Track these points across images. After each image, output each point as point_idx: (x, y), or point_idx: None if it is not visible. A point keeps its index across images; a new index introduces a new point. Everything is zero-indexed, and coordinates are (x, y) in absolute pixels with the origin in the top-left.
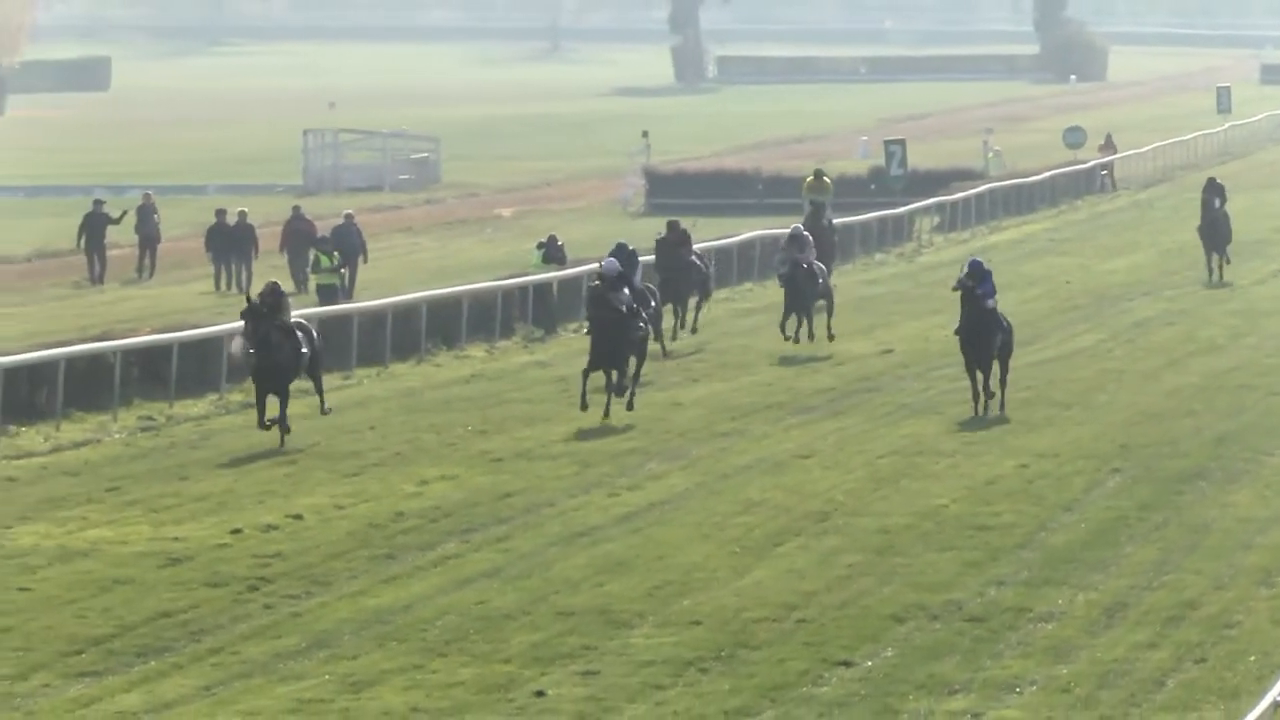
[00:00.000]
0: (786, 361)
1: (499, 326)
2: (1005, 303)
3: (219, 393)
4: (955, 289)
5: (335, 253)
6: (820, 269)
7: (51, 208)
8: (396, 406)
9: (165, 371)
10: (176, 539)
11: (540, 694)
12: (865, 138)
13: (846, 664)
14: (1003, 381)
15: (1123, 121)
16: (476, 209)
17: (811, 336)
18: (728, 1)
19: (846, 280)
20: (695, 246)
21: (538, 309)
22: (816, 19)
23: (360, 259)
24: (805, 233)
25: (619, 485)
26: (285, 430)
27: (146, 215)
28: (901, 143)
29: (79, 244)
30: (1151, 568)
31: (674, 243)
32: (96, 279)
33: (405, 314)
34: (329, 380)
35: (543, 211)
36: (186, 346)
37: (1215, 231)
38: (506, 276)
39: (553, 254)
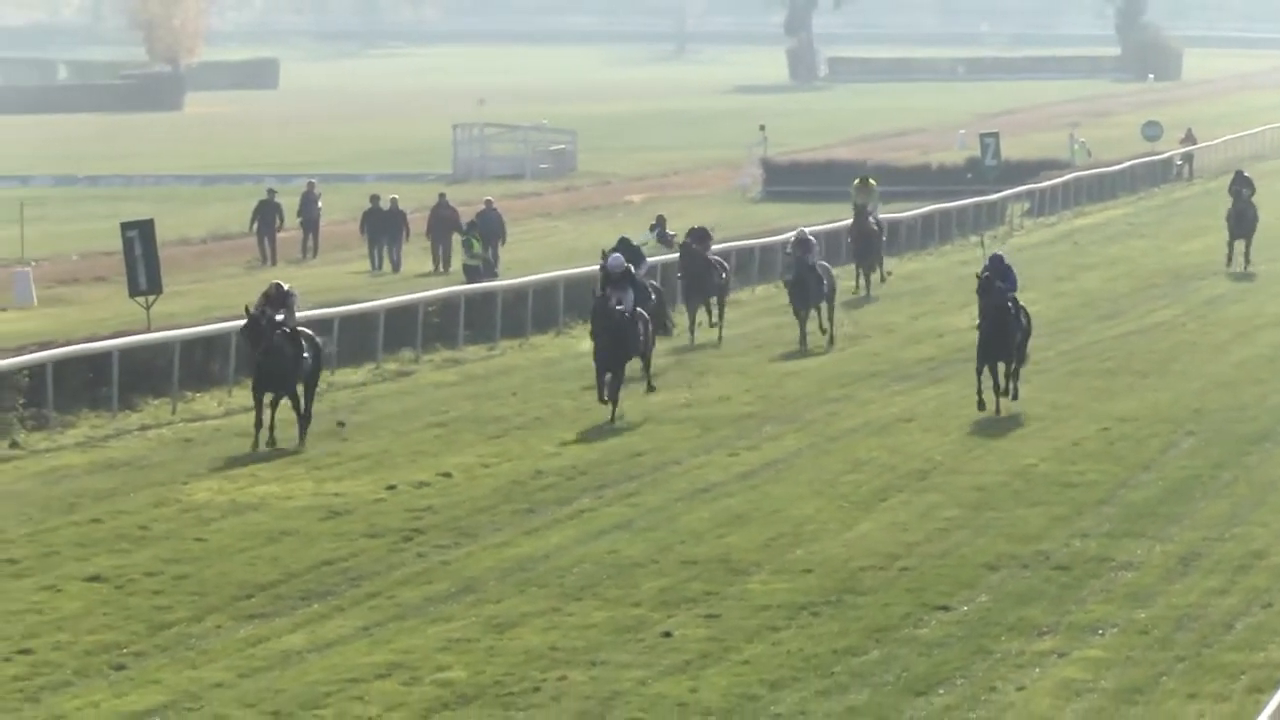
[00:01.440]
0: (890, 333)
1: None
2: (1090, 281)
3: (375, 363)
4: (977, 280)
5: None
6: (825, 268)
7: (225, 194)
8: (537, 375)
9: (327, 343)
10: (337, 494)
11: (667, 634)
12: (962, 131)
13: (945, 608)
14: (1015, 374)
15: (1196, 117)
16: (609, 195)
17: (824, 324)
18: (838, 7)
19: (945, 261)
20: (787, 238)
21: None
22: (918, 23)
23: (499, 241)
24: (809, 236)
25: (738, 446)
26: (301, 429)
27: (310, 202)
28: (995, 135)
29: (252, 228)
30: (1222, 521)
31: (695, 243)
32: (268, 260)
33: (545, 291)
34: (473, 352)
35: (669, 198)
36: (346, 320)
37: (1242, 221)
38: None
39: (664, 237)
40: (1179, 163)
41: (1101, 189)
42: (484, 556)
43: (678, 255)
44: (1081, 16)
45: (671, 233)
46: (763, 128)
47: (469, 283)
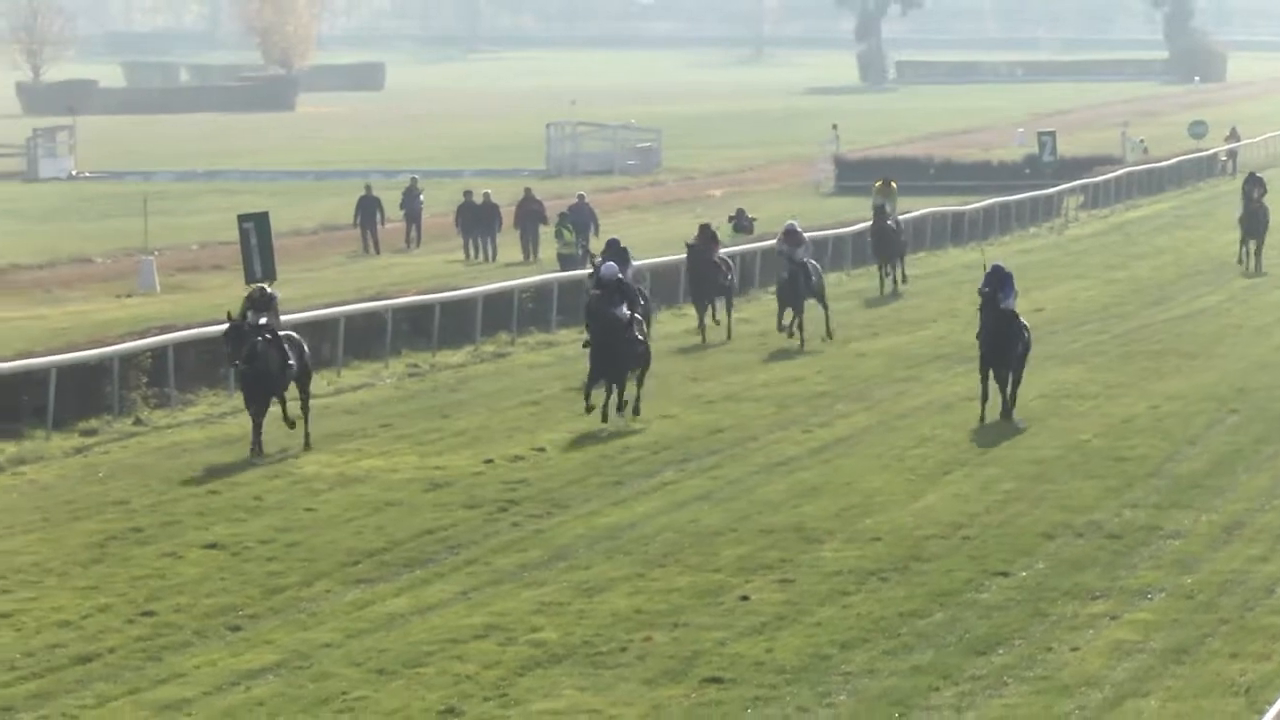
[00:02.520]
0: (954, 318)
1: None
2: (1140, 269)
3: (474, 345)
4: (980, 294)
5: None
6: (815, 268)
7: (334, 189)
8: (556, 374)
9: (429, 326)
10: (438, 468)
11: (745, 598)
12: (1021, 129)
13: (1004, 574)
14: (1015, 381)
15: (1239, 116)
16: (691, 190)
17: (802, 328)
18: (905, 14)
19: (1004, 250)
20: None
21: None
22: (980, 29)
23: (592, 233)
24: (799, 229)
25: (812, 423)
26: (291, 425)
27: (412, 196)
28: (1052, 134)
29: (355, 222)
30: (1264, 493)
31: (702, 245)
32: (370, 250)
33: (632, 279)
34: (565, 335)
35: (747, 192)
36: (447, 305)
37: (1255, 221)
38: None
39: (742, 225)
40: (1223, 159)
41: (1151, 183)
42: (574, 525)
43: (685, 258)
44: (1132, 22)
45: (753, 217)
46: (835, 126)
47: (563, 270)
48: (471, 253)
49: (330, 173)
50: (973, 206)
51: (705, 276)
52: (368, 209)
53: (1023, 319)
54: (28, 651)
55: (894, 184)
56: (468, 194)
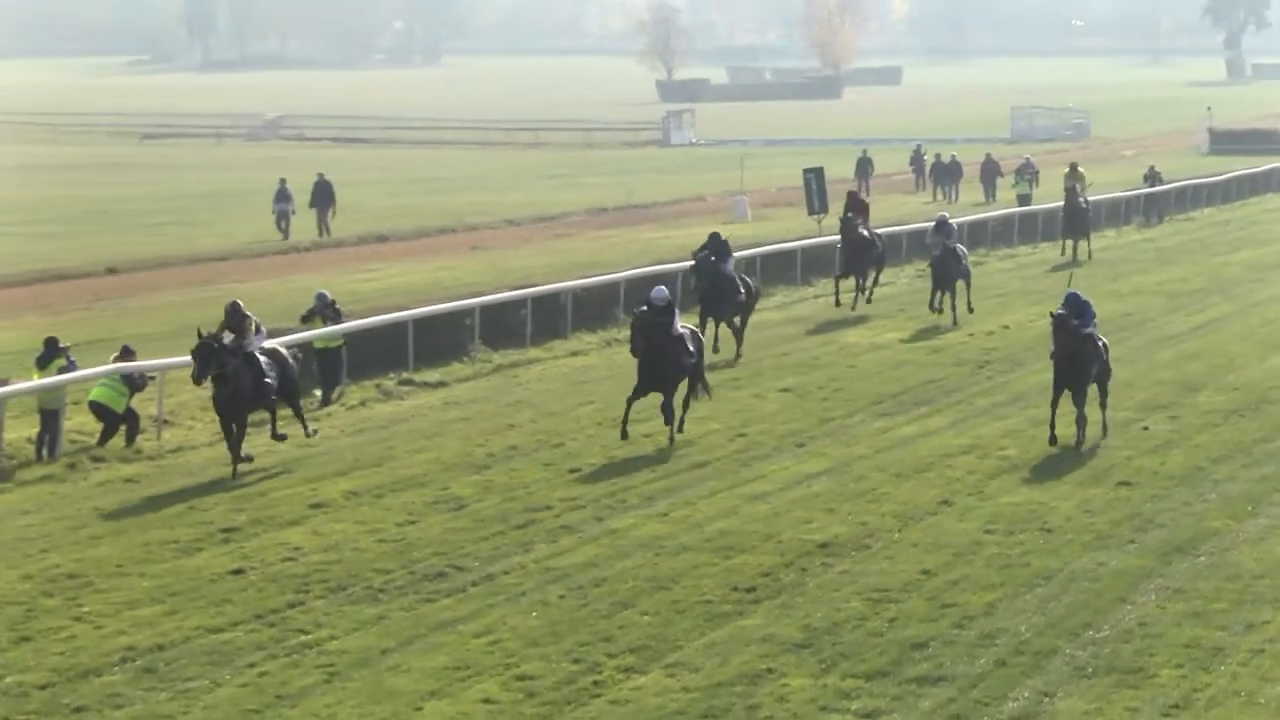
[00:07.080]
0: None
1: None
2: None
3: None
4: (1051, 316)
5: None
6: (963, 252)
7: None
8: (1015, 277)
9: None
10: (936, 338)
11: (1145, 428)
12: None
13: None
14: (1102, 405)
15: None
16: (1111, 151)
17: (954, 309)
18: (1259, 30)
19: None
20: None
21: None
22: None
23: (1033, 183)
24: (949, 221)
25: (1191, 309)
26: (243, 459)
27: (918, 156)
28: None
29: (855, 176)
30: None
31: (853, 222)
32: (865, 193)
33: (999, 221)
34: (1023, 251)
35: (1150, 153)
36: (889, 238)
37: None
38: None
39: (1152, 178)
40: None
41: None
42: (1029, 378)
43: (840, 234)
44: None
45: (1159, 171)
46: (1209, 108)
47: (1020, 207)
48: (939, 197)
49: (865, 140)
50: None
51: (856, 250)
52: (862, 167)
53: (1103, 340)
54: (660, 460)
55: (1082, 169)
56: (937, 156)
